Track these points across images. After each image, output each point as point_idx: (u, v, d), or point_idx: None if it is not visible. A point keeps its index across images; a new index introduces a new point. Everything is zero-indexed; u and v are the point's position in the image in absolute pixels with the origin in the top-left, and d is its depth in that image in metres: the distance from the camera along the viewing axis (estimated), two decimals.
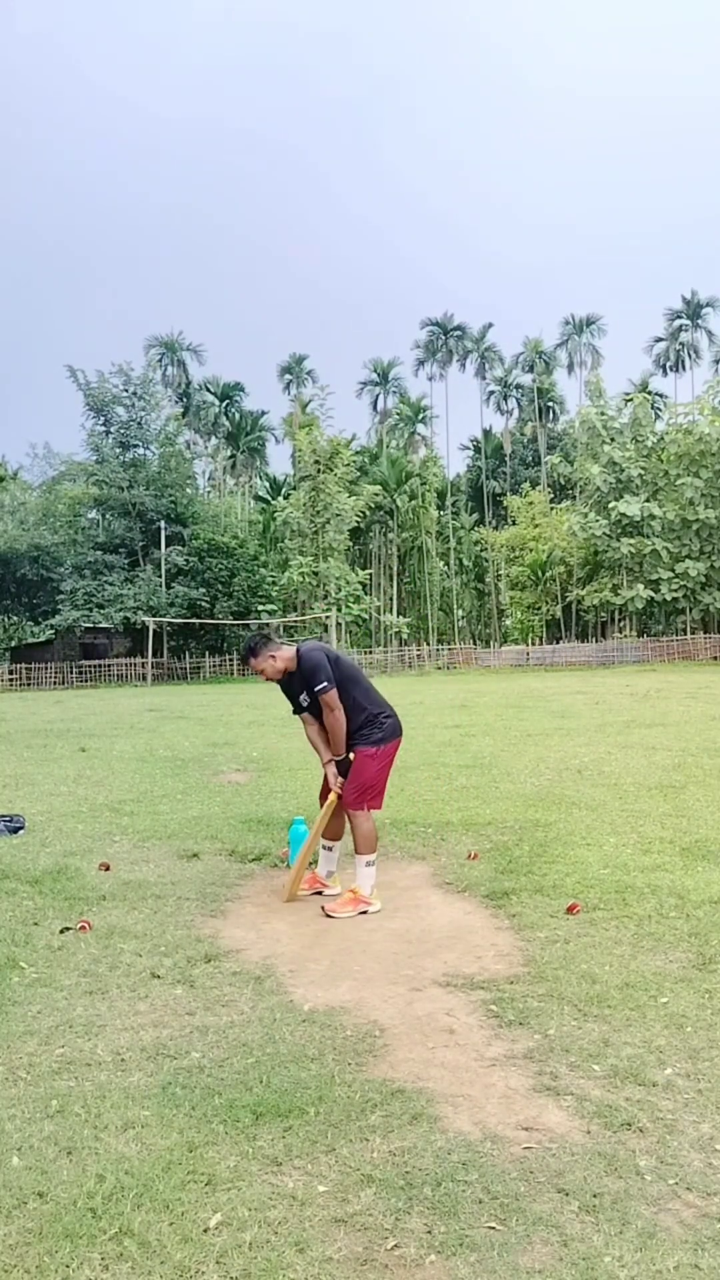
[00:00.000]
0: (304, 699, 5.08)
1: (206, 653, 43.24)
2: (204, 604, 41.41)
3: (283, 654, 5.04)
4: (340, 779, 5.07)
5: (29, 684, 38.78)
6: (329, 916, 4.85)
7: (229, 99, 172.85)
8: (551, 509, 51.63)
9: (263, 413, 66.86)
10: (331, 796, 5.13)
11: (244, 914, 4.95)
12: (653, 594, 42.72)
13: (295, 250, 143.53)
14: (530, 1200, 2.37)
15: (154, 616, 39.56)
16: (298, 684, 5.07)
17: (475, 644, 56.44)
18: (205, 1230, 2.26)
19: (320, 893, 5.26)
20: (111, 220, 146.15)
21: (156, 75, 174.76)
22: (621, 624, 47.65)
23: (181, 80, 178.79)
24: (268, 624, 39.55)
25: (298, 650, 5.05)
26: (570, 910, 4.68)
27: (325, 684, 4.88)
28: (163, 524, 42.24)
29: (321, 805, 5.33)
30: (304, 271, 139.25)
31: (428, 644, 49.79)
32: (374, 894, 4.99)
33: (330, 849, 5.34)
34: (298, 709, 5.20)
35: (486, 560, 58.45)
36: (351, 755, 5.06)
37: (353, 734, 5.05)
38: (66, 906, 4.99)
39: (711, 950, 4.11)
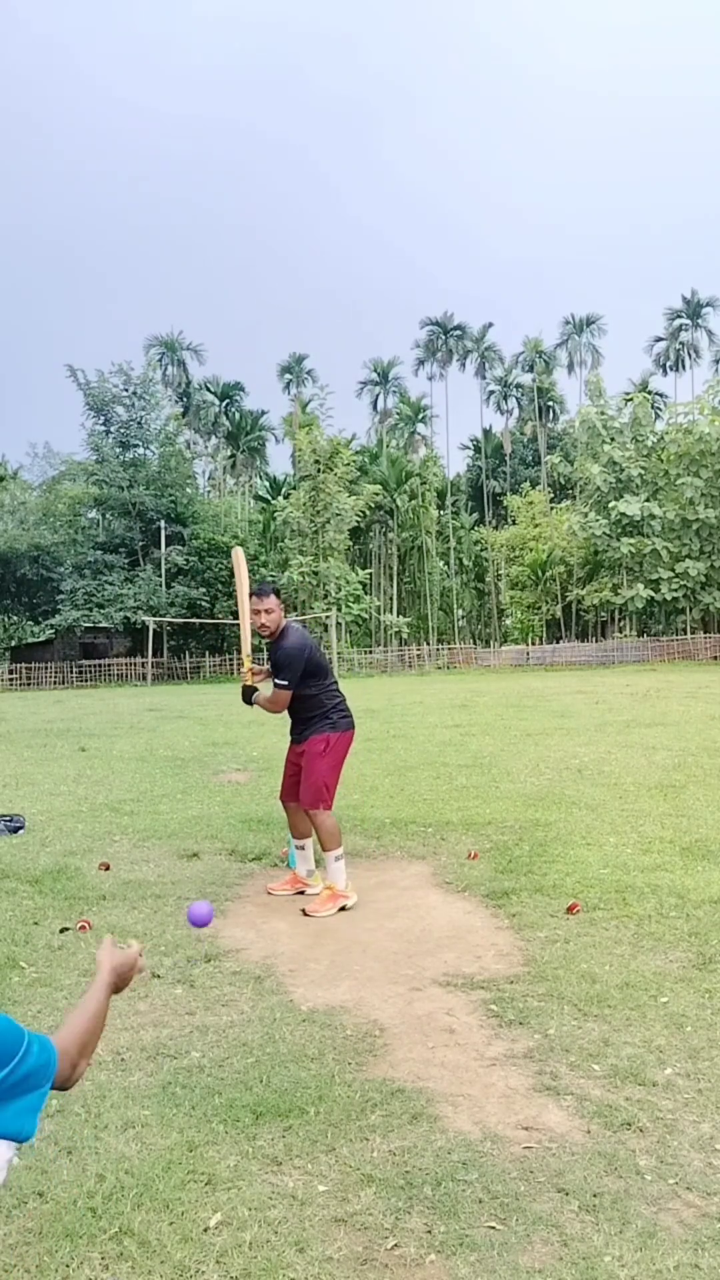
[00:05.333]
0: (268, 666, 5.36)
1: (206, 652, 43.21)
2: (204, 604, 41.39)
3: (281, 617, 5.20)
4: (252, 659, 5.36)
5: (29, 684, 38.74)
6: (308, 916, 4.90)
7: (229, 99, 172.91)
8: (551, 509, 51.60)
9: (263, 413, 66.76)
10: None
11: (244, 914, 4.95)
12: (653, 594, 42.69)
13: (295, 250, 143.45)
14: (530, 1200, 2.37)
15: (154, 616, 39.54)
16: (270, 652, 5.31)
17: (475, 644, 56.39)
18: (205, 1230, 2.26)
19: (303, 892, 5.30)
20: (111, 220, 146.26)
21: (156, 75, 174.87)
22: (621, 624, 47.64)
23: (182, 80, 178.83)
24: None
25: (285, 629, 5.22)
26: (570, 910, 4.68)
27: (287, 683, 5.12)
28: (163, 524, 42.20)
29: (283, 804, 5.48)
30: (304, 271, 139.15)
31: (428, 644, 49.74)
32: (348, 886, 5.12)
33: (304, 848, 5.43)
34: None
35: (486, 560, 58.39)
36: (303, 747, 5.26)
37: (307, 722, 5.26)
38: (66, 906, 4.99)
39: (711, 950, 4.11)
